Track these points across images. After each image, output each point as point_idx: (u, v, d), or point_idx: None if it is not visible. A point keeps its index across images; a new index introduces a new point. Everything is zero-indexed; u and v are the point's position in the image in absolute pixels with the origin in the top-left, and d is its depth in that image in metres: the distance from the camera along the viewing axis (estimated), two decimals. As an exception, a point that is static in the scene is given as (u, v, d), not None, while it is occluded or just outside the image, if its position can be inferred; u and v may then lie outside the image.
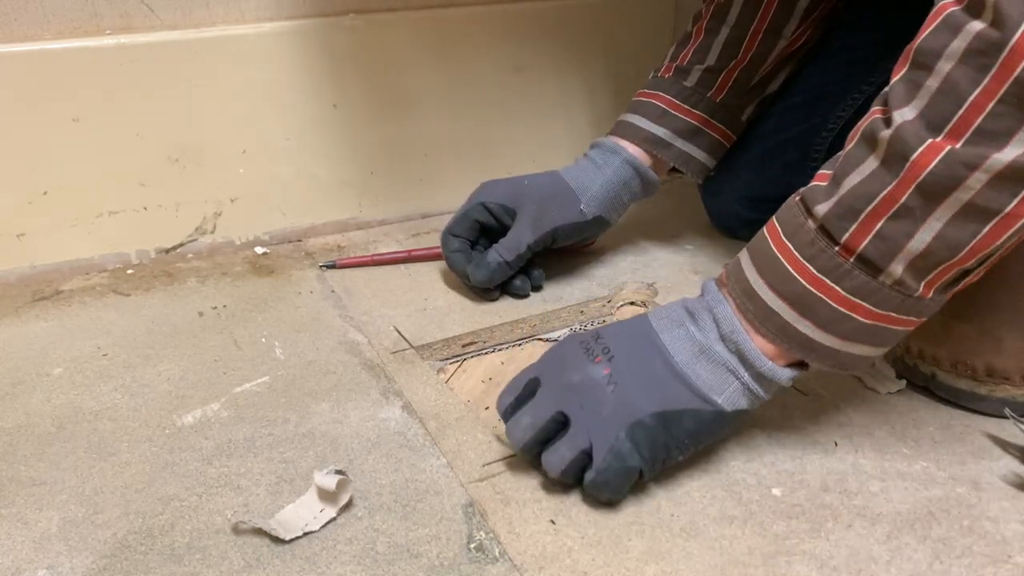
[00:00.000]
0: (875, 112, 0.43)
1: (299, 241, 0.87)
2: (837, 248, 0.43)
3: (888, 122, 0.42)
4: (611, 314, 0.73)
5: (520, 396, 0.50)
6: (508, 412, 0.50)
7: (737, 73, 0.74)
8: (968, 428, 0.54)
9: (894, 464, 0.50)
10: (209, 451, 0.53)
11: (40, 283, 0.77)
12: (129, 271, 0.80)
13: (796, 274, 0.45)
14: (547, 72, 0.94)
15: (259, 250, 0.84)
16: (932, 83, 0.40)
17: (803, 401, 0.57)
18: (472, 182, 0.76)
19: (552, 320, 0.70)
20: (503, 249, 0.70)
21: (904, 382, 0.58)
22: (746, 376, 0.47)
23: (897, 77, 0.42)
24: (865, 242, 0.42)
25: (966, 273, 0.44)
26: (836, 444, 0.52)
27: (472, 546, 0.45)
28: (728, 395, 0.47)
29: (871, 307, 0.44)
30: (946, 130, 0.40)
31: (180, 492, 0.50)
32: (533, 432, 0.48)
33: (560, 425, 0.48)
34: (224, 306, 0.73)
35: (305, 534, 0.46)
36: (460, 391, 0.62)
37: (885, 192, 0.41)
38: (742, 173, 0.79)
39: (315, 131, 0.84)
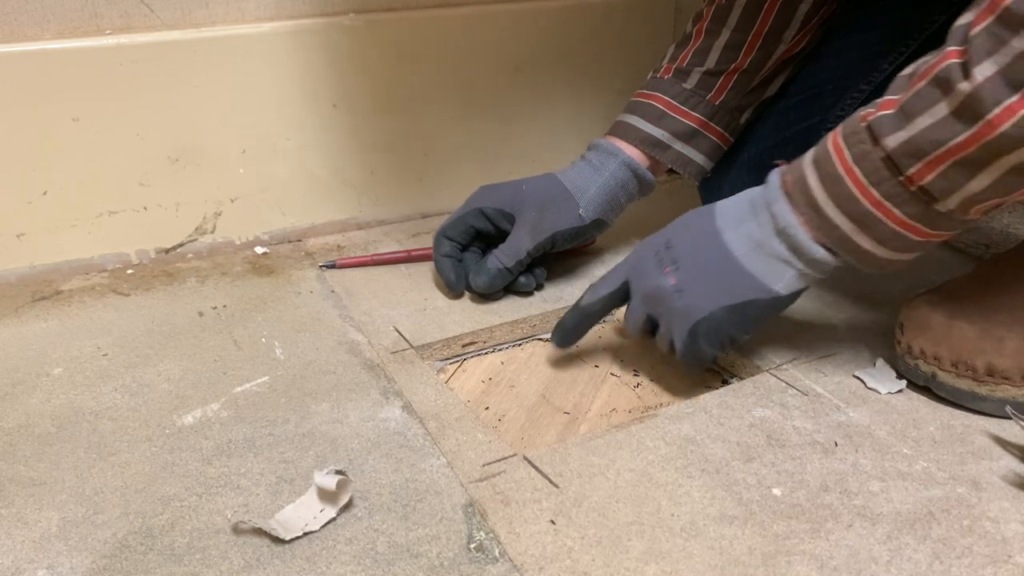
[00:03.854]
0: (951, 54, 0.44)
1: (299, 241, 0.87)
2: (901, 178, 0.47)
3: (966, 73, 0.43)
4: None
5: (612, 291, 0.60)
6: (595, 294, 0.62)
7: (736, 76, 0.73)
8: (968, 428, 0.54)
9: (894, 464, 0.50)
10: (209, 451, 0.53)
11: (40, 283, 0.77)
12: (129, 271, 0.80)
13: (860, 196, 0.49)
14: (547, 72, 0.94)
15: (259, 250, 0.84)
16: (1018, 44, 0.41)
17: (803, 401, 0.57)
18: (472, 182, 0.76)
19: (552, 320, 0.70)
20: (503, 255, 0.70)
21: (904, 382, 0.58)
22: (800, 265, 0.53)
23: (980, 27, 0.42)
24: (929, 178, 0.46)
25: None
26: (836, 444, 0.52)
27: (472, 546, 0.45)
28: (785, 282, 0.54)
29: (925, 228, 0.49)
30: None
31: (180, 492, 0.49)
32: (639, 332, 0.60)
33: (654, 323, 0.58)
34: (224, 306, 0.73)
35: (305, 534, 0.46)
36: (460, 391, 0.62)
37: (955, 141, 0.44)
38: (742, 173, 0.79)
39: (315, 131, 0.84)
